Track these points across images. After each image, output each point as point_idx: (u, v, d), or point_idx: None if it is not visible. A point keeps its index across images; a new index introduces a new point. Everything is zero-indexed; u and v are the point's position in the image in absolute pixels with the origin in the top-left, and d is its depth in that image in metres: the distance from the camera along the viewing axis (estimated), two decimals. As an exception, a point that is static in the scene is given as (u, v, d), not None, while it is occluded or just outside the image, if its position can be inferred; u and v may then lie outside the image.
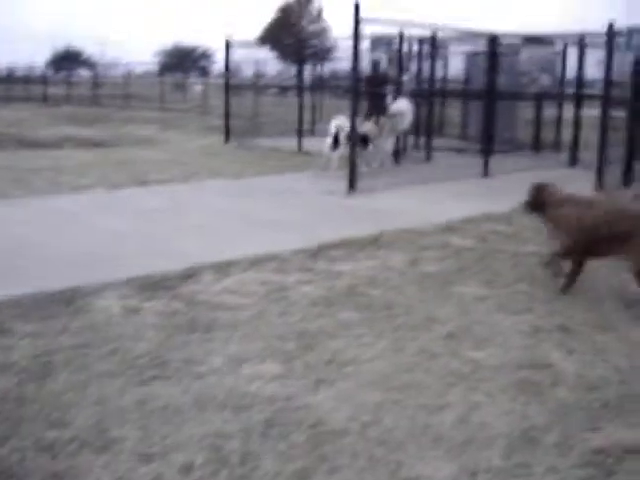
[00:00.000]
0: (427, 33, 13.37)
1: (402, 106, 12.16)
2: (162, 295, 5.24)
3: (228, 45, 15.98)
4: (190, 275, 5.69)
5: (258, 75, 27.07)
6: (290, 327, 4.64)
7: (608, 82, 10.42)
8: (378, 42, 12.57)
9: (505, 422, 3.49)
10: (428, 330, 4.66)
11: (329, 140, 11.18)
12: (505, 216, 8.23)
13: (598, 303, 5.30)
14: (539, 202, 5.66)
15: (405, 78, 14.03)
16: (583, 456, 3.22)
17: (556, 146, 15.77)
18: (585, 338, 4.60)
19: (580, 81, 14.23)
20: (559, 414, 3.59)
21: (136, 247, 6.64)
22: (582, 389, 3.87)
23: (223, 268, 5.88)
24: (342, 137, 10.84)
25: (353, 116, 9.74)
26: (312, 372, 3.99)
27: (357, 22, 9.51)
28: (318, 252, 6.47)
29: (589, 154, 11.38)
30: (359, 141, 10.98)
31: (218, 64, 18.76)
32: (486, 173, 11.25)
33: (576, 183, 10.90)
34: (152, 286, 5.42)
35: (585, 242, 5.33)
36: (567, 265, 5.55)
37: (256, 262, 6.08)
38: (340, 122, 11.11)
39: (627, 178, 10.87)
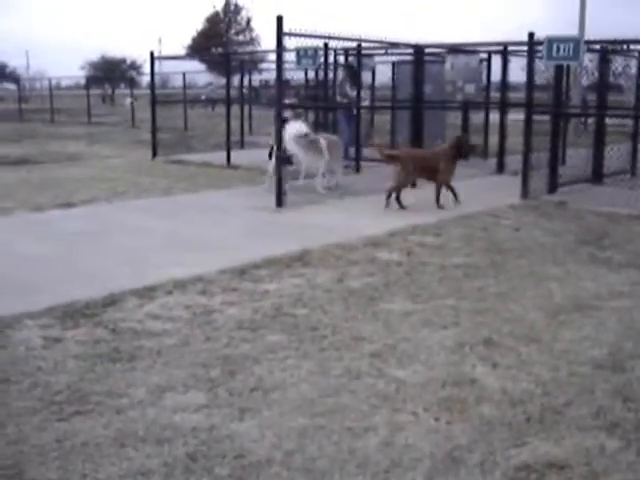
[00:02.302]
0: (353, 44, 13.45)
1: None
2: (85, 323, 5.13)
3: (153, 57, 15.77)
4: (114, 301, 5.58)
5: (188, 87, 26.92)
6: (215, 353, 4.58)
7: (530, 90, 10.59)
8: (305, 54, 12.53)
9: (429, 442, 3.50)
10: (354, 350, 4.65)
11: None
12: (432, 227, 8.30)
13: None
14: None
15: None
16: (506, 474, 3.24)
17: (484, 153, 15.98)
18: (510, 351, 4.65)
19: (504, 89, 14.47)
20: (483, 431, 3.61)
21: (58, 273, 6.48)
22: (506, 404, 3.90)
23: (147, 292, 5.78)
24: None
25: (278, 131, 9.70)
26: (237, 400, 3.94)
27: (280, 35, 9.49)
28: (244, 271, 6.41)
29: (516, 160, 11.54)
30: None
31: (147, 76, 18.55)
32: (414, 184, 11.32)
33: (502, 190, 11.13)
34: (74, 314, 5.29)
35: None
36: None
37: (181, 285, 6.00)
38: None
39: (552, 183, 11.05)
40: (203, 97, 33.33)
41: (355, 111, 14.07)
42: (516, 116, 14.16)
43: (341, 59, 15.24)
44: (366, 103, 15.05)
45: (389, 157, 10.00)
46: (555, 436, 3.56)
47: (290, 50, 11.51)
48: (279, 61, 9.47)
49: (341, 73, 14.11)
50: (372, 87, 18.09)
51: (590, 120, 15.29)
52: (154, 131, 16.14)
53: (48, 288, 5.98)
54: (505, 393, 4.03)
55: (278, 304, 5.55)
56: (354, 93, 13.93)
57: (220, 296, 5.76)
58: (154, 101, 16.10)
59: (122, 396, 3.99)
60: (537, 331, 5.02)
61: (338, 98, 13.91)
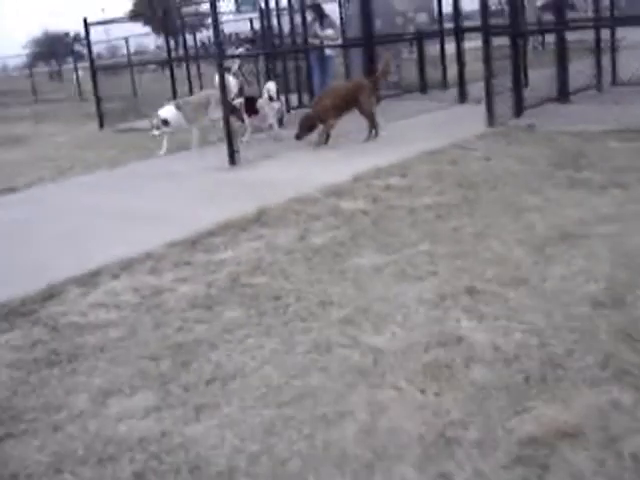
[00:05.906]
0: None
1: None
2: (21, 324, 4.55)
3: (87, 24, 14.94)
4: (54, 294, 4.98)
5: (140, 52, 25.83)
6: (165, 341, 4.03)
7: (485, 10, 9.98)
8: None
9: (417, 422, 2.98)
10: (322, 318, 4.10)
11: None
12: (397, 168, 7.73)
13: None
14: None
15: (329, 32, 13.65)
16: (510, 452, 2.73)
17: (443, 84, 15.38)
18: (496, 298, 4.12)
19: (457, 15, 13.80)
20: (477, 401, 3.10)
21: (-8, 269, 5.89)
22: (500, 363, 3.38)
23: (90, 279, 5.18)
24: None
25: (222, 82, 9.03)
26: (191, 396, 3.40)
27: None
28: (197, 242, 5.82)
29: (478, 87, 10.95)
30: None
31: (94, 46, 17.36)
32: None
33: (467, 120, 10.57)
34: (9, 315, 4.70)
35: None
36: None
37: (128, 265, 5.40)
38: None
39: (517, 106, 10.50)
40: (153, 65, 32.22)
41: (327, 52, 13.54)
42: (474, 44, 13.53)
43: (284, 1, 14.52)
44: (339, 42, 14.44)
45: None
46: (561, 396, 3.06)
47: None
48: (213, 9, 8.77)
49: (309, 14, 13.48)
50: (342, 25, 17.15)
51: (548, 39, 14.70)
52: (98, 102, 15.41)
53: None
54: (497, 350, 3.51)
55: (235, 274, 4.98)
56: (325, 33, 13.37)
57: (171, 273, 5.19)
58: (94, 70, 15.35)
59: (60, 408, 3.44)
60: (523, 271, 4.49)
61: (309, 40, 13.31)
